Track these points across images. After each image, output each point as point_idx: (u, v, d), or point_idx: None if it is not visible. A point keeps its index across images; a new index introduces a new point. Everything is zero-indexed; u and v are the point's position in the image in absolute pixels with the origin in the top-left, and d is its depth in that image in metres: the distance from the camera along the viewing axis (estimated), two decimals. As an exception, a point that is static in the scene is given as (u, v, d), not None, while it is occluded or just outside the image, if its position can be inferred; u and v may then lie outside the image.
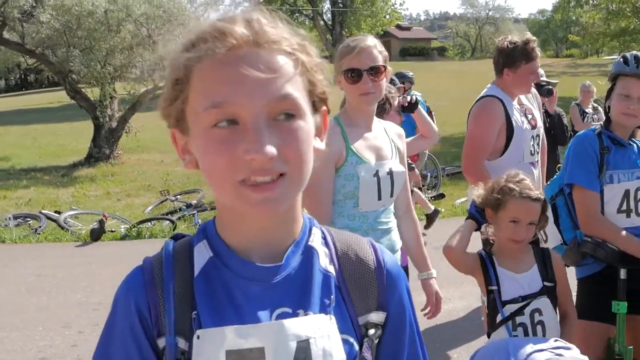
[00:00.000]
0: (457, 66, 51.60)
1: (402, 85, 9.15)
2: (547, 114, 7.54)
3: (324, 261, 1.28)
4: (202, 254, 1.25)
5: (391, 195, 3.28)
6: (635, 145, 3.51)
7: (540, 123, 4.70)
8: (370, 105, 3.25)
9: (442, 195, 11.66)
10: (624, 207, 3.38)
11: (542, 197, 3.12)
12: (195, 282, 1.22)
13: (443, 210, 11.02)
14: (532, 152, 4.53)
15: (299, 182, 1.17)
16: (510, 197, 3.03)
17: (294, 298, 1.22)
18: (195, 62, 1.12)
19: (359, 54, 3.14)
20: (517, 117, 4.42)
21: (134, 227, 10.28)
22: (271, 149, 1.08)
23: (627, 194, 3.38)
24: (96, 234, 9.87)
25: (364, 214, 3.23)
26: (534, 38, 4.51)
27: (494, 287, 3.02)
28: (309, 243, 1.28)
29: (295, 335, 1.17)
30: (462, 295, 6.65)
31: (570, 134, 8.19)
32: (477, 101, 4.53)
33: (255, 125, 1.09)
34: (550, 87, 7.57)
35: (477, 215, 3.20)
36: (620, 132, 3.45)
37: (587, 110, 10.23)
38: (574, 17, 51.23)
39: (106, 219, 10.11)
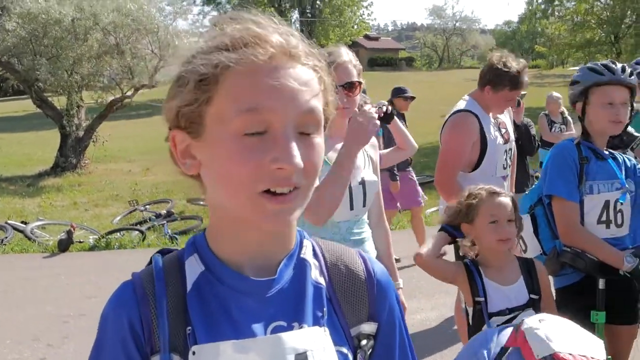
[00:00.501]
0: (425, 76, 51.93)
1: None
2: (514, 125, 7.62)
3: (315, 273, 1.28)
4: (193, 268, 1.22)
5: (364, 205, 3.27)
6: (613, 155, 3.54)
7: (512, 137, 4.80)
8: (345, 120, 3.24)
9: (412, 205, 11.70)
10: (604, 217, 3.41)
11: (509, 193, 3.20)
12: (189, 297, 1.19)
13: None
14: (505, 165, 4.63)
15: (308, 197, 1.18)
16: (480, 200, 3.07)
17: (288, 311, 1.21)
18: (234, 64, 1.10)
19: (335, 69, 3.15)
20: (491, 132, 4.49)
21: (103, 237, 10.15)
22: (299, 160, 1.09)
23: (606, 204, 3.40)
24: (64, 245, 9.72)
25: (336, 224, 3.19)
26: (527, 69, 4.51)
27: (481, 299, 3.02)
28: (301, 255, 1.28)
29: (293, 348, 1.16)
30: (434, 306, 6.70)
31: (538, 144, 8.27)
32: (452, 114, 4.53)
33: (286, 134, 1.09)
34: (517, 98, 7.65)
35: (449, 228, 3.21)
36: (599, 143, 3.48)
37: (554, 120, 10.37)
38: (539, 29, 51.97)
39: (74, 229, 9.97)
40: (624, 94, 3.40)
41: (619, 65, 3.41)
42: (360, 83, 3.20)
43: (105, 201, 14.20)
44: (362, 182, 3.24)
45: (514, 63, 4.41)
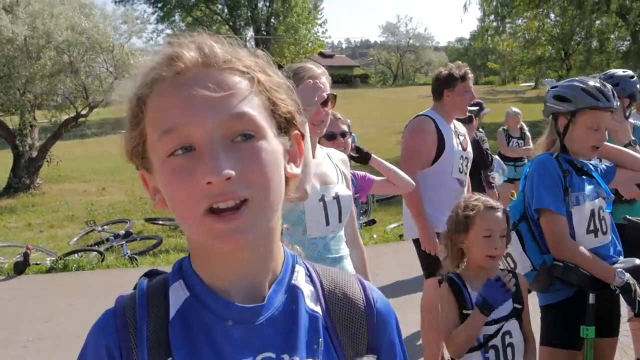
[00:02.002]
0: (380, 93, 52.42)
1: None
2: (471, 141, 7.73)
3: (310, 301, 1.21)
4: (178, 295, 1.16)
5: (340, 221, 3.22)
6: (589, 165, 3.59)
7: (470, 148, 5.29)
8: (319, 134, 3.24)
9: (373, 222, 11.77)
10: (592, 227, 3.42)
11: (504, 208, 3.22)
12: (171, 326, 1.13)
13: (375, 236, 11.13)
14: (461, 170, 5.10)
15: (266, 208, 1.09)
16: (477, 213, 3.10)
17: (278, 342, 1.14)
18: (147, 92, 1.08)
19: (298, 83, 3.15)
20: (448, 135, 5.03)
21: (60, 259, 9.92)
22: (228, 170, 1.01)
23: (592, 214, 3.43)
24: (20, 267, 9.48)
25: (312, 241, 3.13)
26: (465, 64, 5.30)
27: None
28: (293, 282, 1.21)
29: None
30: (402, 321, 6.65)
31: (492, 158, 8.36)
32: (411, 120, 5.16)
33: (210, 147, 1.03)
34: (470, 114, 7.75)
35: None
36: (576, 156, 3.52)
37: (512, 135, 10.53)
38: (491, 46, 52.94)
39: (30, 251, 9.74)
40: (608, 118, 3.46)
41: (609, 88, 3.43)
42: (335, 96, 3.18)
43: (61, 222, 13.96)
44: (337, 197, 3.20)
45: (452, 65, 5.29)
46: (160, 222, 12.36)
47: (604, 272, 3.31)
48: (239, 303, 1.14)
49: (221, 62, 1.08)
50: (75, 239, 11.78)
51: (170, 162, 1.05)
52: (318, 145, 3.37)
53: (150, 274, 1.26)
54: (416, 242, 5.02)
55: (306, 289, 1.22)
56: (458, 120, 7.06)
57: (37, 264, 9.82)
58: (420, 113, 5.15)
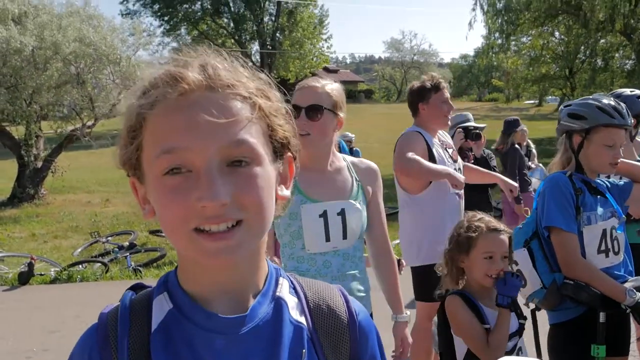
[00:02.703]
0: (384, 108, 52.48)
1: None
2: (474, 158, 7.73)
3: (295, 312, 1.23)
4: (161, 307, 1.18)
5: (344, 237, 3.11)
6: (603, 184, 3.60)
7: (459, 158, 5.14)
8: (307, 148, 3.06)
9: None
10: (603, 247, 3.43)
11: (508, 230, 3.22)
12: (152, 338, 1.14)
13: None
14: None
15: (257, 230, 1.12)
16: (480, 234, 3.11)
17: (262, 352, 1.15)
18: (148, 109, 1.09)
19: (297, 91, 3.13)
20: (438, 150, 4.80)
21: (65, 270, 9.93)
22: (223, 196, 1.04)
23: (604, 233, 3.43)
24: (24, 278, 9.49)
25: (311, 257, 3.08)
26: (438, 74, 5.09)
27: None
28: (277, 293, 1.23)
29: None
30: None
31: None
32: (399, 138, 4.85)
33: (208, 171, 1.05)
34: (478, 131, 7.76)
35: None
36: (590, 175, 3.52)
37: (519, 151, 10.54)
38: (495, 63, 53.04)
39: (35, 261, 9.75)
40: (623, 135, 3.46)
41: (624, 107, 3.44)
42: (326, 109, 3.09)
43: (65, 233, 13.96)
44: (342, 213, 3.10)
45: (423, 77, 5.05)
46: (164, 234, 12.33)
47: (615, 291, 3.30)
48: (223, 315, 1.15)
49: (225, 86, 1.10)
50: (79, 250, 11.79)
51: (166, 180, 1.08)
52: (340, 156, 3.31)
53: (135, 287, 1.28)
54: (415, 269, 4.89)
55: (291, 300, 1.24)
56: (467, 135, 7.10)
57: (41, 275, 9.82)
58: (407, 129, 4.92)
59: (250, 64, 1.23)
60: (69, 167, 17.88)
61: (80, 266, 10.30)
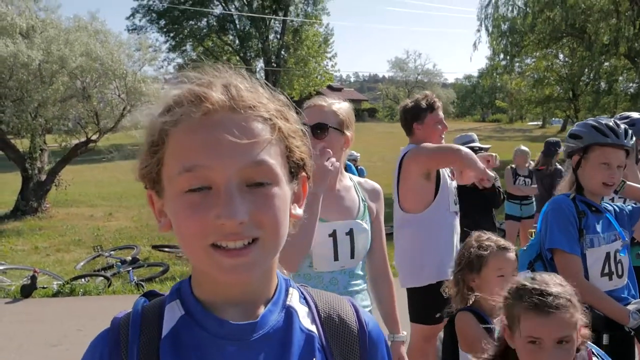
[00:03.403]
0: (387, 127, 52.59)
1: None
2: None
3: (305, 321, 1.25)
4: (173, 313, 1.20)
5: (352, 257, 3.13)
6: (607, 207, 3.61)
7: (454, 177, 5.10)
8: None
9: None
10: (606, 270, 3.43)
11: (514, 247, 3.26)
12: (162, 344, 1.16)
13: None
14: (455, 201, 4.90)
15: (273, 248, 1.15)
16: (491, 253, 3.14)
17: (272, 358, 1.17)
18: (171, 126, 1.11)
19: (306, 110, 3.13)
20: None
21: (67, 283, 9.90)
22: (242, 215, 1.07)
23: (607, 256, 3.44)
24: (27, 291, 9.46)
25: (319, 275, 3.08)
26: (432, 93, 5.01)
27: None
28: (288, 303, 1.25)
29: None
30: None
31: (504, 196, 8.38)
32: (403, 154, 4.79)
33: (228, 190, 1.08)
34: (482, 152, 7.77)
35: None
36: (593, 198, 3.54)
37: (520, 174, 10.53)
38: (499, 84, 53.17)
39: (37, 274, 9.74)
40: (621, 156, 3.47)
41: (622, 128, 3.47)
42: (331, 128, 3.10)
43: (67, 246, 13.95)
44: (350, 233, 3.11)
45: (417, 95, 4.96)
46: (166, 249, 12.36)
47: (618, 313, 3.31)
48: (233, 321, 1.18)
49: (247, 107, 1.13)
50: (81, 264, 11.78)
51: (185, 197, 1.10)
52: (347, 175, 3.32)
53: (148, 295, 1.30)
54: (410, 290, 4.86)
55: (301, 309, 1.27)
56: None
57: (44, 288, 9.80)
58: (406, 147, 4.85)
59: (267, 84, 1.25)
60: (73, 180, 17.96)
61: (82, 280, 10.28)
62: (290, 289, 1.29)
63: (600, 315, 3.28)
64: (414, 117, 4.82)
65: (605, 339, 3.34)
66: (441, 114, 4.88)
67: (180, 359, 1.15)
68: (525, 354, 2.33)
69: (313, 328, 1.25)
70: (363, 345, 1.29)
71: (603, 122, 3.51)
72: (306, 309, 1.27)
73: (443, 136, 4.93)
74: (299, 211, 1.25)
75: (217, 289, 1.19)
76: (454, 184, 4.96)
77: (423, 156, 4.70)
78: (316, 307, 1.29)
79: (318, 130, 3.08)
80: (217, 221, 1.07)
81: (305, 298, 1.30)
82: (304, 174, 1.26)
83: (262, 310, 1.20)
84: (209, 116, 1.10)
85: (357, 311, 1.34)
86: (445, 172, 4.86)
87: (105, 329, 1.23)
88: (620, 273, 3.49)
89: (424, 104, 4.80)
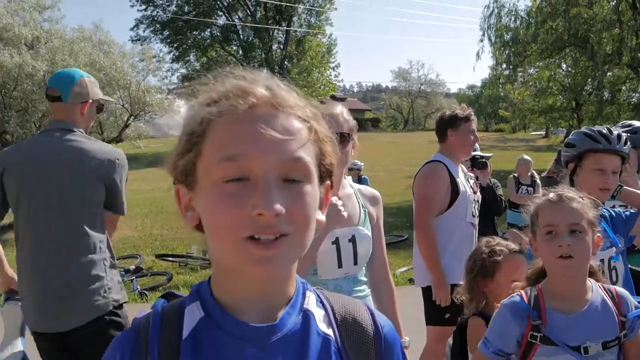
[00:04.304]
0: (390, 137, 52.59)
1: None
2: (480, 187, 7.75)
3: (322, 324, 1.25)
4: (193, 315, 1.21)
5: (355, 263, 3.13)
6: (602, 213, 3.58)
7: (478, 191, 5.32)
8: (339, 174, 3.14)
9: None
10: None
11: (523, 250, 3.28)
12: (182, 345, 1.17)
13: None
14: (474, 214, 5.09)
15: (300, 246, 1.16)
16: (504, 258, 3.17)
17: None
18: (215, 117, 1.13)
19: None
20: (462, 179, 5.02)
21: (71, 292, 9.88)
22: (279, 206, 1.08)
23: (602, 263, 3.41)
24: (31, 300, 9.44)
25: (323, 282, 3.06)
26: (469, 107, 5.36)
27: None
28: (305, 306, 1.26)
29: None
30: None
31: (506, 204, 8.39)
32: (423, 165, 5.12)
33: (266, 181, 1.10)
34: (484, 160, 7.80)
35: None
36: None
37: (522, 182, 10.56)
38: (502, 93, 53.14)
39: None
40: (615, 162, 3.49)
41: (615, 133, 3.49)
42: (349, 136, 3.12)
43: (71, 256, 13.91)
44: (353, 239, 3.12)
45: (455, 107, 5.40)
46: (170, 258, 12.38)
47: None
48: (252, 323, 1.18)
49: (287, 106, 1.16)
50: (85, 273, 11.74)
51: (223, 187, 1.11)
52: (348, 182, 3.34)
53: (167, 296, 1.31)
54: (425, 290, 5.00)
55: (318, 312, 1.27)
56: (473, 164, 7.22)
57: (47, 297, 9.78)
58: (430, 159, 5.13)
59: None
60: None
61: (86, 289, 10.25)
62: (307, 292, 1.30)
63: None
64: (449, 123, 5.12)
65: None
66: (474, 126, 5.19)
67: None
68: (544, 245, 2.53)
69: (329, 331, 1.26)
70: (379, 348, 1.30)
71: (595, 128, 3.55)
72: (322, 312, 1.28)
73: (475, 146, 5.34)
74: (321, 217, 1.26)
75: (237, 289, 1.20)
76: (476, 196, 5.15)
77: (415, 185, 5.10)
78: (332, 310, 1.30)
79: (343, 139, 3.08)
80: (254, 211, 1.08)
81: (321, 301, 1.31)
82: (328, 182, 1.28)
83: (280, 312, 1.21)
84: (253, 110, 1.13)
85: (372, 314, 1.35)
86: (467, 185, 5.06)
87: (123, 331, 1.24)
88: (614, 280, 3.50)
89: (460, 113, 5.13)
